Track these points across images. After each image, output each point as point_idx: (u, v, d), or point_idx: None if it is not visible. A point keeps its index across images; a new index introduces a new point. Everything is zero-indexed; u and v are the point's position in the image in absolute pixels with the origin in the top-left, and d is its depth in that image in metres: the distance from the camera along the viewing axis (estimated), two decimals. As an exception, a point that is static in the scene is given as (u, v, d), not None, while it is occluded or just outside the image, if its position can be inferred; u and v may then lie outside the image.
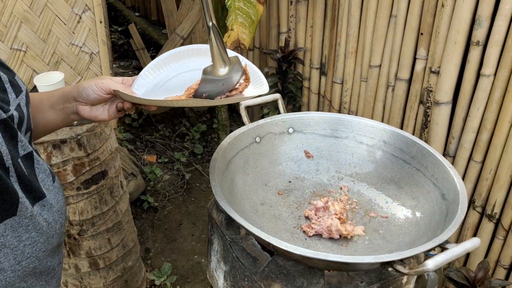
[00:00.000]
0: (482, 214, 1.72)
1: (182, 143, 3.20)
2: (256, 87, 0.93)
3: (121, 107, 0.93)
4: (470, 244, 0.73)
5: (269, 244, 0.79)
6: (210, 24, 0.82)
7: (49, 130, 0.95)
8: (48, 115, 0.92)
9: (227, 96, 0.89)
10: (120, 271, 1.87)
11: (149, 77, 0.97)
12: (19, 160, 0.69)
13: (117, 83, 0.92)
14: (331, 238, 0.96)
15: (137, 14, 4.38)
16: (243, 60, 0.95)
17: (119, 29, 4.24)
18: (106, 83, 0.89)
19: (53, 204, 0.75)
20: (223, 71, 0.87)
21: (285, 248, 0.76)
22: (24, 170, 0.69)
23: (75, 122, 1.54)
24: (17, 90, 0.73)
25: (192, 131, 3.25)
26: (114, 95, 0.91)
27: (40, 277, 0.76)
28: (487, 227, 1.68)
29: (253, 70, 0.96)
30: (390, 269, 0.76)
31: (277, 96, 1.18)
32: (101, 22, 2.01)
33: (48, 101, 0.92)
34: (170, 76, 0.98)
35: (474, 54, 1.58)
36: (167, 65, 0.99)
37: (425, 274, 1.56)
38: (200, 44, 1.00)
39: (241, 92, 0.89)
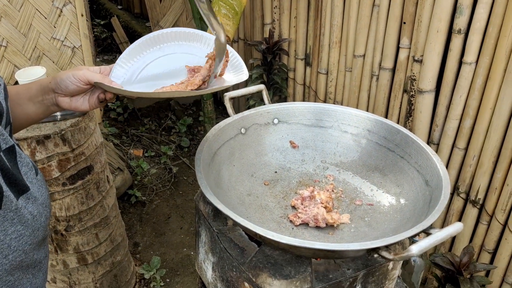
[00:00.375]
0: (466, 200, 1.75)
1: (169, 137, 3.18)
2: (237, 74, 0.94)
3: (103, 98, 0.92)
4: (453, 228, 0.74)
5: (256, 234, 0.79)
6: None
7: (29, 122, 0.94)
8: (27, 108, 0.91)
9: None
10: (109, 266, 1.87)
11: (126, 64, 0.98)
12: (1, 153, 0.68)
13: (95, 73, 0.91)
14: (317, 227, 0.97)
15: (119, 7, 4.32)
16: (231, 54, 0.97)
17: (102, 22, 4.19)
18: (84, 74, 0.88)
19: (37, 197, 0.75)
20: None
21: (271, 238, 0.76)
22: (7, 163, 0.69)
23: (59, 117, 1.52)
24: None
25: (178, 124, 3.24)
26: (93, 86, 0.91)
27: (27, 271, 0.76)
28: (471, 212, 1.71)
29: (234, 56, 0.97)
30: (376, 255, 0.77)
31: (262, 87, 1.18)
32: (82, 15, 1.99)
33: (25, 93, 0.91)
34: (147, 62, 0.99)
35: (456, 42, 1.60)
36: (143, 51, 0.99)
37: (412, 260, 1.59)
38: (174, 27, 1.00)
39: (221, 75, 0.91)
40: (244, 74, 0.93)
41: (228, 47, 0.97)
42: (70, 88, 0.89)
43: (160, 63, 0.99)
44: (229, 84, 0.92)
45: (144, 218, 2.55)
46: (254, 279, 0.87)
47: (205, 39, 1.00)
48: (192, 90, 0.89)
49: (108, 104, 3.24)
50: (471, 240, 1.78)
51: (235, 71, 0.96)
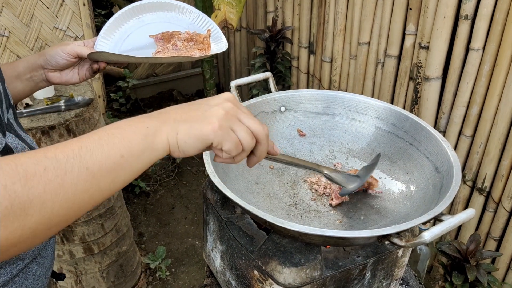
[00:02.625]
0: (472, 188, 1.74)
1: (172, 127, 3.17)
2: (217, 44, 1.02)
3: (96, 68, 0.98)
4: (465, 215, 0.73)
5: (265, 222, 0.78)
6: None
7: (17, 100, 0.97)
8: (15, 86, 0.94)
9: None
10: (115, 255, 1.87)
11: (109, 36, 1.03)
12: None
13: (82, 46, 0.96)
14: (328, 212, 0.96)
15: (120, -4, 4.29)
16: (208, 23, 1.05)
17: (103, 12, 4.16)
18: (72, 48, 0.94)
19: None
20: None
21: (282, 225, 0.76)
22: None
23: (63, 107, 1.52)
24: None
25: (181, 114, 3.23)
26: (80, 58, 0.97)
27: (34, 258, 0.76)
28: (478, 200, 1.71)
29: (214, 27, 1.05)
30: (387, 242, 0.77)
31: (268, 74, 1.17)
32: (84, 4, 1.97)
33: (12, 72, 0.93)
34: (128, 33, 1.05)
35: (463, 28, 1.58)
36: (124, 22, 1.05)
37: (418, 248, 1.59)
38: None
39: (208, 48, 0.98)
40: (224, 44, 1.01)
41: (208, 18, 1.06)
42: (61, 63, 0.94)
43: (140, 33, 1.05)
44: (214, 52, 1.00)
45: (149, 209, 2.55)
46: (263, 267, 0.86)
47: (180, 8, 1.07)
48: (189, 55, 0.96)
49: (111, 94, 3.23)
50: (477, 228, 1.77)
51: (216, 42, 1.03)
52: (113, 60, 0.96)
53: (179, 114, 0.61)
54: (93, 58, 0.95)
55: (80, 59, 0.97)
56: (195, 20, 1.07)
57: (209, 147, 0.62)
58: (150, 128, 0.57)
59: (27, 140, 0.76)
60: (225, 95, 0.65)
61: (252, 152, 0.68)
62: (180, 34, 1.01)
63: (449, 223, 0.71)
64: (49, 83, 0.98)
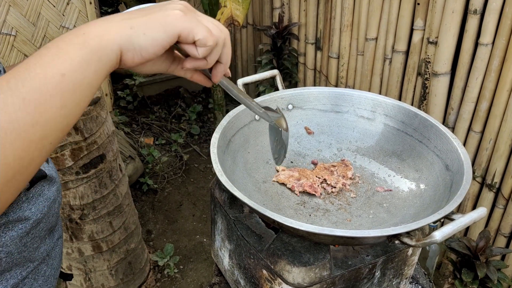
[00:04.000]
0: (482, 184, 1.73)
1: (179, 124, 3.18)
2: None
3: None
4: (477, 214, 0.72)
5: (274, 221, 0.78)
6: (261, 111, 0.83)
7: None
8: None
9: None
10: (123, 253, 1.88)
11: None
12: None
13: None
14: (336, 212, 0.96)
15: (126, -6, 4.29)
16: None
17: (109, 10, 4.16)
18: None
19: (53, 183, 0.75)
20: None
21: (290, 225, 0.75)
22: None
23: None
24: None
25: (188, 111, 3.23)
26: None
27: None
28: (488, 196, 1.69)
29: None
30: (396, 242, 0.76)
31: (275, 72, 1.16)
32: (91, 3, 1.97)
33: None
34: None
35: (472, 23, 1.56)
36: None
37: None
38: (149, 3, 1.05)
39: None
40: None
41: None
42: None
43: None
44: None
45: (156, 206, 2.56)
46: (272, 266, 0.86)
47: None
48: None
49: (118, 92, 3.24)
50: (487, 224, 1.76)
51: None
52: None
53: (126, 14, 0.53)
54: None
55: None
56: None
57: (175, 44, 0.54)
58: (87, 34, 0.49)
59: None
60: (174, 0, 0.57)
61: (217, 61, 0.61)
62: None
63: (460, 222, 0.71)
64: None
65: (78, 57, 0.48)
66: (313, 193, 1.00)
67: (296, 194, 1.00)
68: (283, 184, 1.02)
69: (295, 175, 1.03)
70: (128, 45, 0.50)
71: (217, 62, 0.61)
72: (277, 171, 1.06)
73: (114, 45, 0.50)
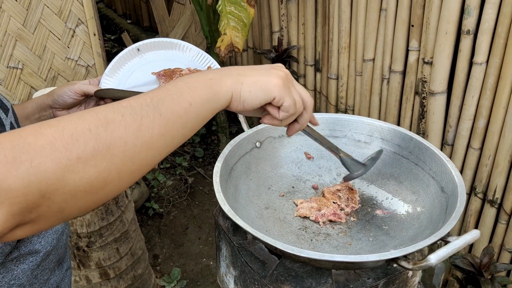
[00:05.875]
0: (483, 200, 1.74)
1: (183, 147, 3.22)
2: None
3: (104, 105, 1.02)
4: (470, 236, 0.75)
5: (276, 248, 0.81)
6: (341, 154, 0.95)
7: None
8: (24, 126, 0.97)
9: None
10: (131, 279, 1.90)
11: (114, 74, 1.08)
12: None
13: (88, 85, 1.02)
14: (337, 236, 0.98)
15: (129, 21, 4.39)
16: (208, 60, 1.12)
17: (112, 37, 4.25)
18: (79, 87, 1.00)
19: None
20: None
21: (291, 252, 0.78)
22: None
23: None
24: (5, 108, 0.74)
25: (191, 134, 3.27)
26: (87, 96, 1.02)
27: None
28: (490, 212, 1.71)
29: (211, 61, 1.11)
30: (395, 265, 0.78)
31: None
32: (95, 34, 2.03)
33: (21, 113, 0.97)
34: (132, 71, 1.10)
35: (466, 43, 1.60)
36: (127, 61, 1.10)
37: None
38: (156, 38, 1.11)
39: None
40: None
41: (207, 55, 1.12)
42: (68, 102, 1.00)
43: (143, 71, 1.10)
44: None
45: (163, 230, 2.58)
46: (276, 292, 0.88)
47: (180, 46, 1.13)
48: None
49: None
50: (490, 240, 1.77)
51: None
52: (120, 96, 1.00)
53: (241, 70, 0.67)
54: (100, 95, 1.00)
55: (86, 97, 1.03)
56: (195, 58, 1.12)
57: (266, 104, 0.68)
58: (213, 80, 0.63)
59: None
60: (279, 65, 0.72)
61: (295, 120, 0.75)
62: (181, 71, 1.06)
63: (455, 245, 0.73)
64: None
65: (203, 94, 0.61)
66: (338, 220, 1.02)
67: (320, 225, 1.02)
68: (306, 217, 1.04)
69: (315, 206, 1.05)
70: (236, 96, 0.65)
71: (295, 121, 0.75)
72: (296, 204, 1.08)
73: (228, 93, 0.64)
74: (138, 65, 1.10)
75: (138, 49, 1.09)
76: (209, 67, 1.07)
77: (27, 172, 0.45)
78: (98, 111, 0.53)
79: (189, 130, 0.60)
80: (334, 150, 0.94)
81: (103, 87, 1.05)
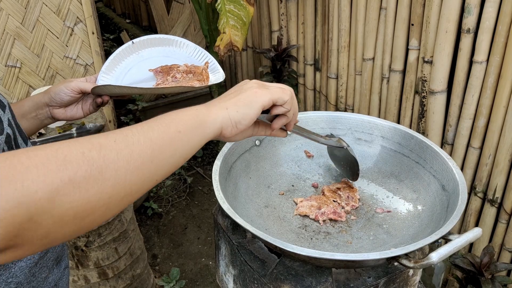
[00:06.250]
0: (484, 200, 1.74)
1: (182, 147, 3.20)
2: (215, 74, 1.07)
3: (100, 102, 1.03)
4: (472, 234, 0.74)
5: (275, 246, 0.80)
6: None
7: None
8: (21, 124, 0.96)
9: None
10: (129, 279, 1.89)
11: (111, 71, 1.07)
12: None
13: (84, 82, 1.01)
14: (337, 234, 0.98)
15: (128, 20, 4.38)
16: (205, 56, 1.12)
17: (111, 37, 4.24)
18: (76, 85, 0.99)
19: None
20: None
21: (291, 250, 0.77)
22: None
23: (75, 134, 1.55)
24: (2, 105, 0.73)
25: (190, 134, 3.26)
26: (84, 94, 1.01)
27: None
28: (490, 212, 1.70)
29: (211, 60, 1.10)
30: (396, 263, 0.78)
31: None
32: (93, 33, 2.02)
33: (18, 111, 0.97)
34: (129, 68, 1.09)
35: (466, 41, 1.59)
36: (124, 58, 1.09)
37: (431, 262, 1.58)
38: (153, 34, 1.11)
39: (207, 79, 1.04)
40: (221, 74, 1.08)
41: (204, 51, 1.12)
42: (65, 99, 0.99)
43: (140, 67, 1.09)
44: (212, 82, 1.06)
45: (161, 230, 2.57)
46: (275, 291, 0.87)
47: (177, 43, 1.12)
48: (190, 86, 1.01)
49: (121, 118, 3.28)
50: (490, 240, 1.76)
51: (213, 73, 1.09)
52: (117, 92, 0.99)
53: (221, 98, 0.71)
54: (97, 92, 0.99)
55: (83, 94, 1.02)
56: (192, 54, 1.11)
57: (262, 113, 0.72)
58: (199, 110, 0.67)
59: None
60: (245, 81, 0.75)
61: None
62: (178, 67, 1.05)
63: (456, 243, 0.72)
64: (54, 119, 1.01)
65: (191, 124, 0.64)
66: (338, 219, 1.01)
67: (320, 224, 1.01)
68: (306, 215, 1.04)
69: (315, 204, 1.04)
70: (226, 121, 0.68)
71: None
72: (296, 203, 1.07)
73: (216, 121, 0.67)
74: (135, 62, 1.09)
75: (133, 42, 1.08)
76: (206, 63, 1.07)
77: (17, 191, 0.44)
78: (92, 137, 0.54)
79: (178, 158, 0.62)
80: (318, 140, 0.96)
81: (101, 82, 1.04)
